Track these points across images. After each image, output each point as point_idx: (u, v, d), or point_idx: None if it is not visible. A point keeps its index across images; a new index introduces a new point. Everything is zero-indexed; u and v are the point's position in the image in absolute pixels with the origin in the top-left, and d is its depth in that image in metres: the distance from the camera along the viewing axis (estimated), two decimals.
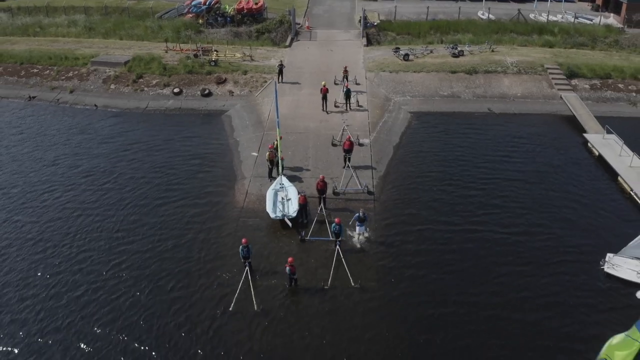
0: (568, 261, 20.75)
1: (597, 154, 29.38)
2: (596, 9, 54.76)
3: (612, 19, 50.30)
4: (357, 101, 32.90)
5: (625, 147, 28.52)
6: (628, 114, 34.71)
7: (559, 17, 49.88)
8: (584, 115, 33.49)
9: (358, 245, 21.23)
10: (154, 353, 16.74)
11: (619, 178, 26.75)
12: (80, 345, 17.02)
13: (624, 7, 50.03)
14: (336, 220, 20.67)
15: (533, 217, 23.51)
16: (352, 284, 19.17)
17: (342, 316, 18.07)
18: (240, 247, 19.20)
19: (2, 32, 50.93)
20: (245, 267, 19.30)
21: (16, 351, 16.94)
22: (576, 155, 29.30)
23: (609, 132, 30.18)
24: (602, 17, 49.53)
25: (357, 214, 21.40)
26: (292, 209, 22.69)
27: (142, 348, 16.89)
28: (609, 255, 20.67)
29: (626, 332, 15.22)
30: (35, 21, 52.20)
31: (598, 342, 16.09)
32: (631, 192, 25.50)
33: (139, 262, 20.66)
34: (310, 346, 16.92)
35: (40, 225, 23.20)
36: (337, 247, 20.33)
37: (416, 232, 22.28)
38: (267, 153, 25.62)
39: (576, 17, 49.24)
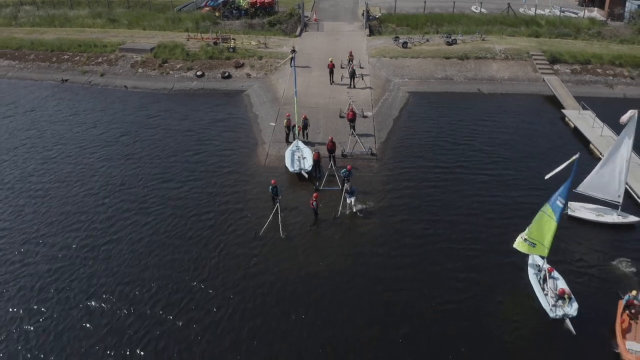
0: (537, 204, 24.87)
1: (572, 126, 33.54)
2: (582, 3, 58.97)
3: (596, 13, 54.43)
4: (362, 77, 37.27)
5: (597, 119, 32.61)
6: (605, 95, 38.84)
7: (546, 11, 54.04)
8: (563, 95, 37.65)
9: (347, 213, 23.83)
10: (204, 262, 20.92)
11: (591, 145, 30.85)
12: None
13: (607, 1, 54.16)
14: (348, 167, 24.93)
15: (509, 165, 28.04)
16: (359, 214, 23.39)
17: (349, 240, 22.32)
18: (270, 187, 23.46)
19: (29, 23, 55.04)
20: (276, 203, 23.41)
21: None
22: (554, 127, 33.50)
23: (584, 108, 34.30)
24: (586, 11, 53.73)
25: (346, 187, 24.01)
26: (308, 164, 26.88)
27: (192, 257, 21.05)
28: (570, 203, 24.71)
29: (541, 209, 19.09)
30: (60, 13, 56.33)
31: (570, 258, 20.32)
32: (600, 155, 29.60)
33: (184, 202, 24.96)
34: (324, 261, 21.05)
35: (108, 167, 27.81)
36: (346, 186, 24.18)
37: (410, 183, 26.52)
38: (285, 120, 29.82)
39: (562, 11, 53.42)
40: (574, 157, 17.98)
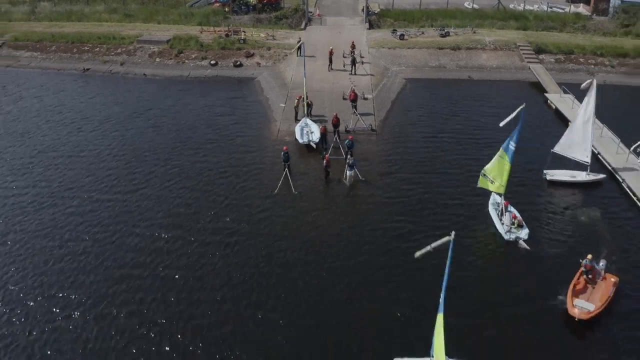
0: (521, 176, 28.36)
1: (554, 107, 37.07)
2: (570, 0, 62.52)
3: (582, 8, 57.97)
4: (362, 63, 41.03)
5: (576, 101, 36.05)
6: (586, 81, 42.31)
7: (535, 7, 57.56)
8: (547, 81, 41.17)
9: (348, 185, 26.83)
10: (225, 213, 24.41)
11: (569, 123, 34.39)
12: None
13: None
14: (350, 137, 28.43)
15: (490, 134, 31.41)
16: (361, 178, 26.93)
17: (353, 200, 25.78)
18: (282, 153, 27.02)
19: (47, 18, 58.29)
20: (285, 168, 26.93)
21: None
22: (537, 108, 37.00)
23: (565, 92, 37.81)
24: (572, 7, 57.32)
25: (348, 161, 27.09)
26: (316, 136, 30.42)
27: (215, 212, 24.54)
28: (546, 170, 28.20)
29: (498, 153, 23.03)
30: (77, 9, 59.64)
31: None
32: None
33: (208, 168, 28.53)
34: (330, 216, 24.53)
35: (136, 135, 31.13)
36: (349, 156, 27.65)
37: (404, 153, 30.08)
38: (295, 101, 33.39)
39: (550, 7, 56.96)
40: (521, 107, 21.70)
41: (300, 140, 30.40)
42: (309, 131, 31.11)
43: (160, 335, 18.33)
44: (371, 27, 51.85)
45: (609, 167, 28.84)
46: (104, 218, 24.60)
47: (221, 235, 23.17)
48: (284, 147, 27.40)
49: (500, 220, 23.55)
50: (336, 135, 31.03)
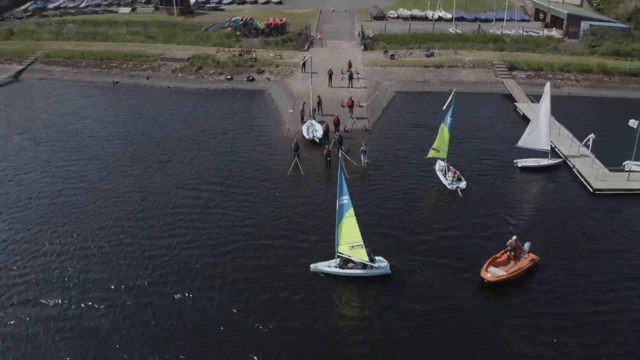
0: (489, 164, 34.69)
1: (522, 113, 43.67)
2: (546, 26, 69.84)
3: (554, 32, 65.24)
4: (358, 79, 47.68)
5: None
6: (553, 94, 47.97)
7: (512, 31, 64.74)
8: (517, 93, 47.87)
9: (364, 166, 33.79)
10: (252, 188, 30.51)
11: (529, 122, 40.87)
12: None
13: (564, 22, 64.91)
14: (339, 133, 35.27)
15: (464, 133, 37.78)
16: (355, 164, 33.19)
17: (353, 180, 31.97)
18: (293, 143, 33.35)
19: (74, 38, 64.58)
20: (295, 156, 33.17)
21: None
22: (507, 115, 43.65)
23: (532, 101, 44.43)
24: (546, 30, 64.59)
25: (362, 147, 33.94)
26: (319, 133, 36.83)
27: (242, 185, 30.65)
28: (516, 160, 34.55)
29: (439, 127, 31.04)
30: (102, 30, 66.19)
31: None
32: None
33: (229, 160, 34.65)
34: (331, 190, 30.56)
35: (165, 132, 37.38)
36: (364, 144, 33.94)
37: (391, 148, 36.47)
38: (301, 106, 39.94)
39: (526, 31, 64.16)
40: (453, 91, 29.73)
41: (307, 137, 36.81)
42: (314, 129, 37.56)
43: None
44: (366, 49, 58.75)
45: (563, 156, 35.30)
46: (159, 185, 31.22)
47: (249, 201, 29.51)
48: (294, 139, 33.81)
49: (445, 176, 31.51)
50: (336, 133, 37.38)
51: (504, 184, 32.28)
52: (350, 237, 22.66)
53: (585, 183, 32.05)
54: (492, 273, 23.10)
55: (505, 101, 47.00)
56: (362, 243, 22.57)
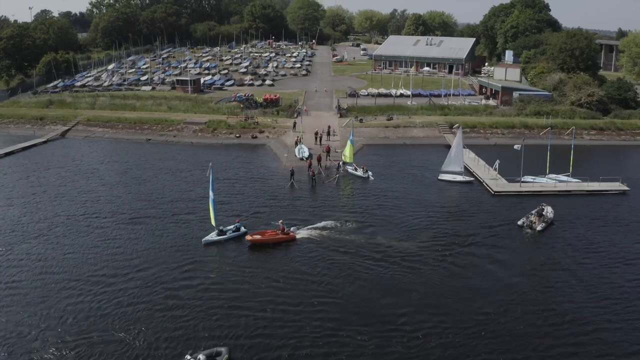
0: (418, 175, 50.22)
1: None
2: (487, 98, 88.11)
3: (491, 101, 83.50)
4: (335, 135, 64.24)
5: (471, 152, 59.03)
6: (483, 143, 65.67)
7: (458, 102, 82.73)
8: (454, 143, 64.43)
9: (372, 179, 50.41)
10: (259, 197, 45.24)
11: (465, 164, 57.08)
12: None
13: (500, 93, 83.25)
14: (317, 157, 51.40)
15: (415, 167, 53.56)
16: (336, 181, 48.50)
17: (326, 193, 47.11)
18: (290, 169, 48.77)
19: (108, 107, 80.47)
20: (291, 178, 48.32)
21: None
22: (444, 156, 59.83)
23: (464, 147, 60.79)
24: (484, 100, 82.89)
25: (368, 173, 50.98)
26: (306, 153, 53.97)
27: (253, 197, 45.36)
28: (441, 174, 50.42)
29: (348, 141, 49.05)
30: (130, 102, 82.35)
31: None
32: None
33: (241, 183, 49.67)
34: (317, 199, 45.58)
35: (190, 172, 52.31)
36: (339, 170, 49.94)
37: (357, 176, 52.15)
38: (294, 141, 56.13)
39: (468, 102, 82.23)
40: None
41: (298, 156, 54.41)
42: (302, 151, 55.08)
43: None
44: (341, 116, 75.79)
45: (477, 176, 51.07)
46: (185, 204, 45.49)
47: (258, 204, 44.00)
48: (291, 166, 49.37)
49: (356, 171, 50.10)
50: (319, 165, 53.04)
51: (428, 189, 47.79)
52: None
53: (488, 188, 47.73)
54: (253, 236, 35.85)
55: (444, 149, 63.39)
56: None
